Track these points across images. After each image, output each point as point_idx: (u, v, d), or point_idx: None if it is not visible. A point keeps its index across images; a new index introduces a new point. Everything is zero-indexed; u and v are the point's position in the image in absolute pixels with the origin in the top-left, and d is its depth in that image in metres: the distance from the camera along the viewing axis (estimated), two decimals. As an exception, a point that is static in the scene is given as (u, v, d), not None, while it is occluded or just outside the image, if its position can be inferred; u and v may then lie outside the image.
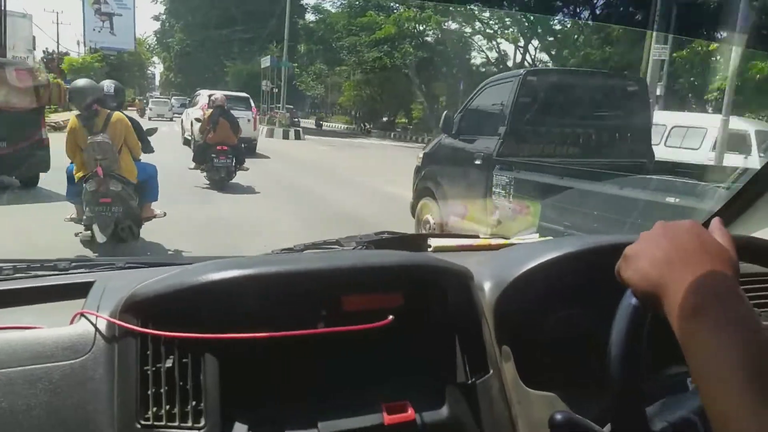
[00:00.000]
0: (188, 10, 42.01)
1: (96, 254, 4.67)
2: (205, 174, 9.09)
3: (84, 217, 4.63)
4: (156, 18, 46.08)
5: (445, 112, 5.99)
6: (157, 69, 59.16)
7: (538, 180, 4.61)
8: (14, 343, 0.86)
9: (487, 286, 1.08)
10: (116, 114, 4.77)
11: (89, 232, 4.61)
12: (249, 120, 15.07)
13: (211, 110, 9.25)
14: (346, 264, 1.03)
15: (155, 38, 48.03)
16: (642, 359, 0.64)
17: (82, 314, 0.92)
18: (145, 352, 0.88)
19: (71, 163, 4.81)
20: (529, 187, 4.62)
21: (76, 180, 4.72)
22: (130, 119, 4.95)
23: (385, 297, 0.99)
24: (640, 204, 3.71)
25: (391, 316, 0.95)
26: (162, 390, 0.86)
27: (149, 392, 0.86)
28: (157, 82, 59.64)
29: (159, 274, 0.98)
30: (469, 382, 1.00)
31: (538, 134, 5.18)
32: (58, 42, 38.92)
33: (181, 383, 0.87)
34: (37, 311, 1.00)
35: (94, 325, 0.90)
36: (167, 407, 0.86)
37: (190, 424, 0.86)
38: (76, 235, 4.69)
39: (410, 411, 0.93)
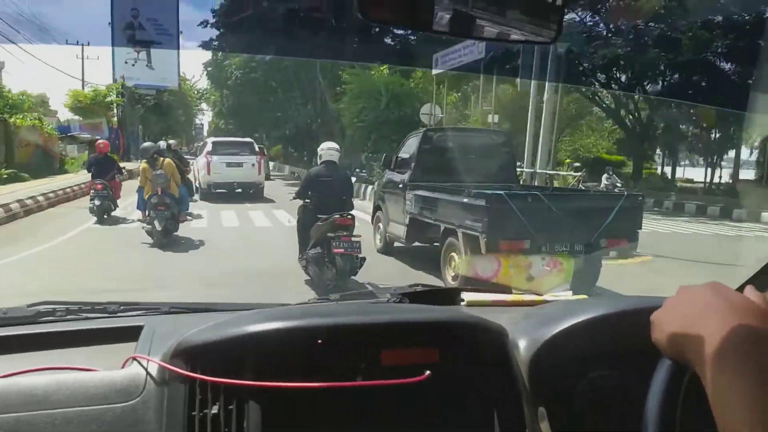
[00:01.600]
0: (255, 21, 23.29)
1: (154, 243, 8.11)
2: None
3: (147, 218, 8.30)
4: (206, 45, 29.92)
5: (385, 154, 9.03)
6: (205, 117, 53.88)
7: (429, 195, 7.40)
8: (71, 384, 0.92)
9: (522, 344, 1.07)
10: (167, 160, 8.64)
11: (150, 226, 8.20)
12: (253, 165, 14.84)
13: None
14: (385, 319, 1.07)
15: (205, 72, 36.21)
16: (677, 422, 0.64)
17: (134, 358, 0.97)
18: (193, 397, 0.92)
19: (141, 188, 8.64)
20: (422, 200, 7.44)
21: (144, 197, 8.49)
22: (175, 163, 8.80)
23: (422, 352, 1.01)
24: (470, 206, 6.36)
25: (428, 372, 0.96)
26: None
27: None
28: (205, 132, 54.31)
29: (203, 319, 1.06)
30: None
31: (434, 167, 8.02)
32: (83, 80, 31.92)
33: (226, 429, 0.91)
34: (88, 352, 1.06)
35: (146, 369, 0.95)
36: None
37: None
38: (143, 228, 8.38)
39: None
